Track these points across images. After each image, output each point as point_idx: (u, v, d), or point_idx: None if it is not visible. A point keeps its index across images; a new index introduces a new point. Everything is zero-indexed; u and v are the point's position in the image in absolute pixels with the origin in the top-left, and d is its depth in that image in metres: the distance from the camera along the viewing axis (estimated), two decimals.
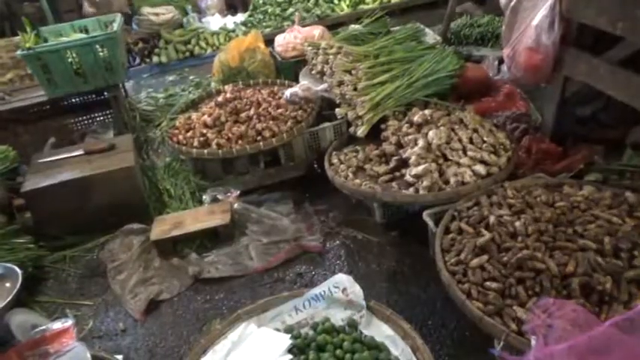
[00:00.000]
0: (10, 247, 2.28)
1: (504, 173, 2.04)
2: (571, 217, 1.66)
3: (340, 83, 2.59)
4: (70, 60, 2.79)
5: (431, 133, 2.16)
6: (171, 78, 4.30)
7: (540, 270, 1.49)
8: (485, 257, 1.59)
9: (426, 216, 1.89)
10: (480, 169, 2.03)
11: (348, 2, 4.99)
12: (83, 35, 3.00)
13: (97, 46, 2.80)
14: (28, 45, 2.72)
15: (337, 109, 2.56)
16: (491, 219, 1.71)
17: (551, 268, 1.48)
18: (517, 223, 1.66)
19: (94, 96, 3.15)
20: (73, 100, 3.12)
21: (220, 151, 2.48)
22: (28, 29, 2.89)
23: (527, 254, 1.52)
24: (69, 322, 1.80)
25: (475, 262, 1.58)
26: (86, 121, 3.17)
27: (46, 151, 2.81)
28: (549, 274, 1.47)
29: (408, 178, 2.10)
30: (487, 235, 1.65)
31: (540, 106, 2.65)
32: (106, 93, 3.05)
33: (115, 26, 2.95)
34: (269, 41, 3.85)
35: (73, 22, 3.22)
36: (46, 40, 2.94)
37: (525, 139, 2.28)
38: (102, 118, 3.19)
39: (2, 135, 2.94)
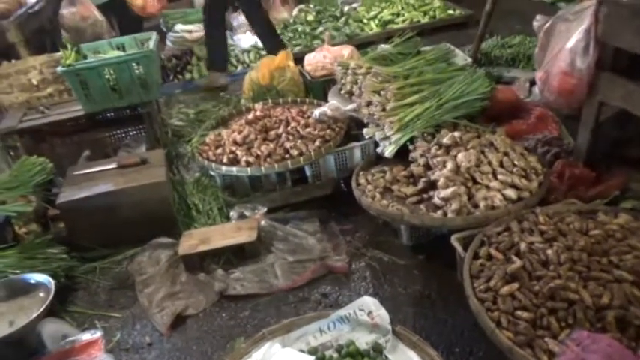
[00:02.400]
0: (45, 256, 2.35)
1: (536, 198, 2.00)
2: (606, 247, 1.62)
3: (369, 103, 2.61)
4: (107, 76, 2.88)
5: (460, 156, 2.14)
6: (202, 94, 4.38)
7: (573, 301, 1.45)
8: (515, 285, 1.56)
9: (454, 240, 1.87)
10: (511, 193, 2.00)
11: (377, 22, 5.04)
12: (120, 53, 3.10)
13: (134, 64, 2.89)
14: (68, 62, 2.83)
15: (365, 130, 2.57)
16: (522, 246, 1.68)
17: (585, 300, 1.44)
18: (549, 251, 1.62)
19: (127, 111, 3.23)
20: (108, 115, 3.21)
21: (249, 168, 2.52)
22: (69, 46, 3.01)
23: (560, 284, 1.49)
24: (98, 334, 1.85)
25: (505, 289, 1.55)
26: (120, 136, 3.26)
27: (81, 164, 2.89)
28: (583, 306, 1.43)
29: (436, 200, 2.09)
30: (518, 262, 1.62)
31: (573, 130, 2.60)
32: (139, 108, 3.13)
33: (151, 44, 3.05)
34: (298, 59, 3.91)
35: (110, 40, 3.34)
36: (85, 57, 3.05)
37: (557, 163, 2.23)
38: (135, 132, 3.27)
39: (41, 147, 3.05)
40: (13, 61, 3.54)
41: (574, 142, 2.48)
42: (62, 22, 4.41)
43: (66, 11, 4.32)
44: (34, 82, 3.31)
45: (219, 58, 4.45)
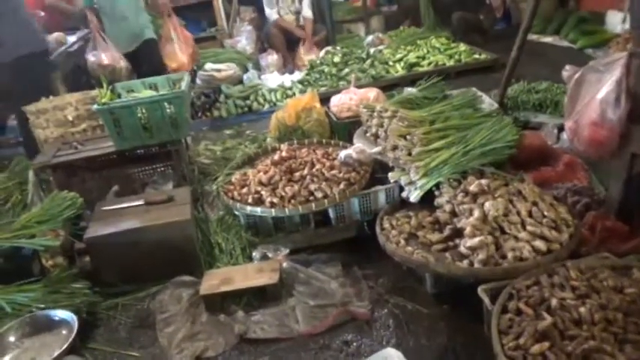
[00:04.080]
0: (69, 291, 2.37)
1: (566, 251, 1.95)
2: None
3: (394, 147, 2.61)
4: (139, 115, 2.97)
5: (487, 204, 2.11)
6: (229, 132, 4.46)
7: None
8: (546, 344, 1.50)
9: (481, 292, 1.82)
10: (540, 245, 1.95)
11: (402, 64, 5.11)
12: (153, 92, 3.20)
13: (165, 103, 2.98)
14: (103, 100, 2.93)
15: (390, 174, 2.56)
16: (553, 302, 1.62)
17: None
18: (582, 309, 1.56)
19: (156, 148, 3.30)
20: (137, 152, 3.28)
21: (273, 209, 2.53)
22: (105, 85, 3.13)
23: (595, 345, 1.42)
24: None
25: (536, 348, 1.49)
26: (148, 172, 3.32)
27: (109, 199, 2.95)
28: None
29: (462, 249, 2.05)
30: (549, 320, 1.56)
31: (604, 180, 2.55)
32: (168, 145, 3.20)
33: (183, 85, 3.14)
34: (324, 100, 3.98)
35: (143, 79, 3.46)
36: (119, 96, 3.16)
37: (588, 215, 2.18)
38: (163, 169, 3.33)
39: (72, 180, 3.13)
40: (51, 97, 3.69)
41: (605, 191, 2.43)
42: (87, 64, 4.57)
43: (89, 55, 4.48)
44: (70, 118, 3.44)
45: None
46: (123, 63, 4.52)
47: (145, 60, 4.74)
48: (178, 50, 5.07)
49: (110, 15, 4.56)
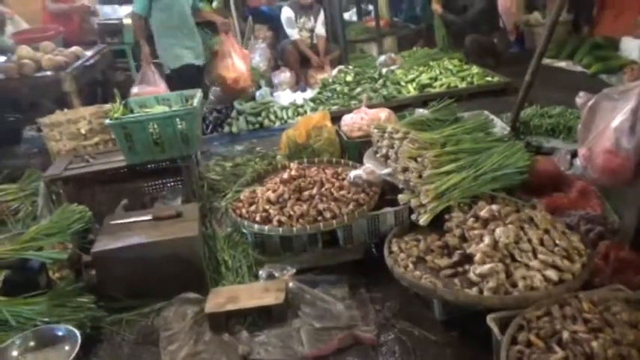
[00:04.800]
0: (74, 305, 2.36)
1: (578, 282, 1.90)
2: None
3: (405, 169, 2.59)
4: (151, 131, 2.99)
5: (498, 231, 2.07)
6: (239, 147, 4.48)
7: None
8: None
9: (490, 321, 1.78)
10: (552, 274, 1.91)
11: (414, 85, 5.11)
12: (165, 108, 3.23)
13: (177, 119, 3.00)
14: (116, 115, 2.96)
15: (400, 196, 2.54)
16: (565, 335, 1.58)
17: None
18: (594, 344, 1.52)
19: (167, 162, 3.32)
20: (148, 166, 3.29)
21: (281, 228, 2.51)
22: (118, 100, 3.16)
23: None
24: None
25: None
26: (158, 186, 3.33)
27: (118, 213, 2.95)
28: None
29: (471, 275, 2.01)
30: (560, 353, 1.52)
31: (618, 208, 2.50)
32: (179, 161, 3.21)
33: (195, 102, 3.16)
34: (335, 118, 3.98)
35: (157, 95, 3.49)
36: (132, 111, 3.19)
37: (601, 245, 2.13)
38: (172, 184, 3.35)
39: (82, 193, 3.14)
40: (65, 110, 3.74)
41: (619, 220, 2.38)
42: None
43: (134, 88, 4.46)
44: (83, 131, 3.48)
45: None
46: None
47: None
48: (237, 61, 4.95)
49: (178, 28, 4.55)
